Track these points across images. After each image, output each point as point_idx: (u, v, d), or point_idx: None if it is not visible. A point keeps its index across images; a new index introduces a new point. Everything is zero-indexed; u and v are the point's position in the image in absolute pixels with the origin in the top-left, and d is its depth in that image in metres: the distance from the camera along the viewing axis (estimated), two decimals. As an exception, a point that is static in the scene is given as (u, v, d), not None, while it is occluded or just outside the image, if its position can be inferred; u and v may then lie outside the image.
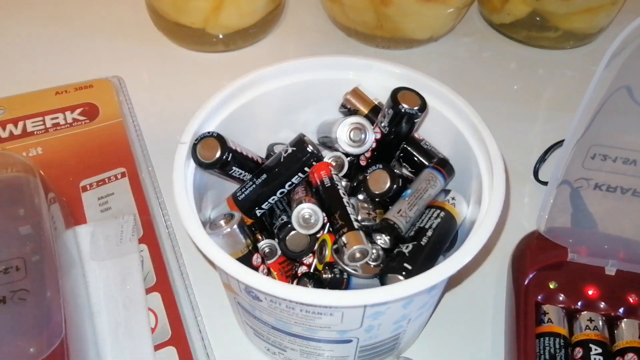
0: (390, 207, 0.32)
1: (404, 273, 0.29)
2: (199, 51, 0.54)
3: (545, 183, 0.45)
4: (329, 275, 0.30)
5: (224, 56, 0.54)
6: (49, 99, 0.49)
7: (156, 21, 0.55)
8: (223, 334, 0.37)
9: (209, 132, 0.32)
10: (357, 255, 0.29)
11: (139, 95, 0.50)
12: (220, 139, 0.31)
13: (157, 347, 0.36)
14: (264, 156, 0.37)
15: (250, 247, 0.31)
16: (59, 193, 0.42)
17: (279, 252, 0.33)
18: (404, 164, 0.35)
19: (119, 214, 0.42)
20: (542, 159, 0.46)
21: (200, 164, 0.31)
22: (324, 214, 0.31)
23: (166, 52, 0.54)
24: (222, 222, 0.30)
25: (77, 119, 0.48)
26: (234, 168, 0.32)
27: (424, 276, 0.27)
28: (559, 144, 0.46)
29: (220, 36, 0.53)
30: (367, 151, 0.33)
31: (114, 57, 0.54)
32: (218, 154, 0.31)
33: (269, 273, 0.32)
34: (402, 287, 0.26)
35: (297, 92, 0.36)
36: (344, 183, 0.34)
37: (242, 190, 0.33)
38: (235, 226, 0.30)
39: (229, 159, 0.31)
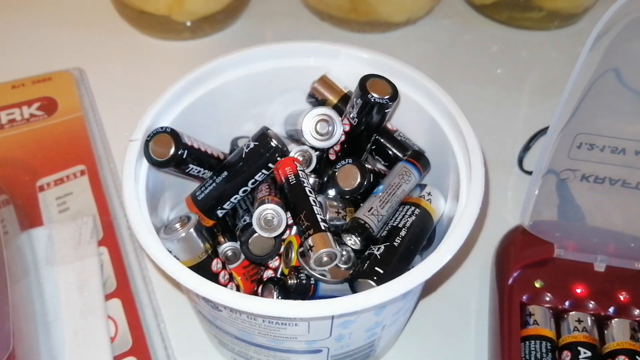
0: (361, 205, 0.30)
1: (375, 278, 0.27)
2: (165, 39, 0.51)
3: (530, 173, 0.42)
4: (295, 281, 0.28)
5: (191, 44, 0.51)
6: (4, 94, 0.47)
7: (119, 8, 0.52)
8: (188, 343, 0.35)
9: (162, 128, 0.29)
10: (325, 259, 0.27)
11: (101, 87, 0.48)
12: (174, 134, 0.29)
13: (117, 358, 0.34)
14: (227, 151, 0.34)
15: (209, 252, 0.29)
16: (13, 194, 0.40)
17: (243, 256, 0.31)
18: (377, 157, 0.33)
19: (78, 214, 0.39)
20: (527, 147, 0.43)
21: (153, 163, 0.29)
22: (289, 215, 0.29)
23: (130, 41, 0.51)
24: (177, 226, 0.28)
25: (35, 114, 0.45)
26: (191, 166, 0.30)
27: (396, 282, 0.25)
28: (543, 131, 0.44)
29: (187, 23, 0.50)
30: (335, 144, 0.31)
31: (74, 48, 0.51)
32: (172, 151, 0.29)
33: (230, 279, 0.30)
34: (372, 296, 0.24)
35: (261, 82, 0.33)
36: (312, 180, 0.31)
37: (202, 189, 0.31)
38: (191, 230, 0.28)
39: (184, 156, 0.29)
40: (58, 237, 0.38)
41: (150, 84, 0.47)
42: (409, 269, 0.26)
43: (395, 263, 0.27)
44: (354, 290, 0.27)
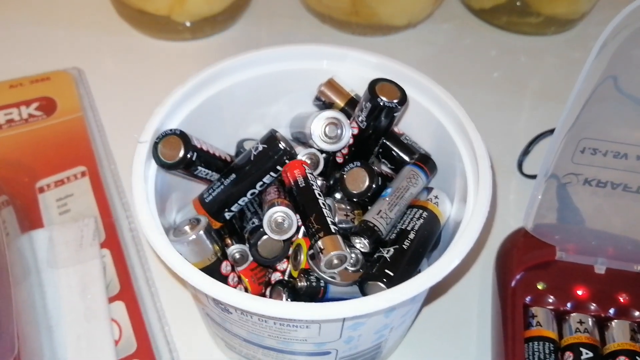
0: (369, 208, 0.30)
1: (385, 280, 0.27)
2: (165, 40, 0.51)
3: (529, 176, 0.43)
4: (305, 284, 0.28)
5: (191, 45, 0.51)
6: (2, 93, 0.46)
7: (118, 8, 0.52)
8: (193, 346, 0.35)
9: (171, 130, 0.29)
10: (335, 261, 0.27)
11: (100, 87, 0.47)
12: (183, 136, 0.29)
13: (121, 361, 0.33)
14: (233, 153, 0.34)
15: (218, 254, 0.29)
16: (13, 195, 0.39)
17: (251, 258, 0.31)
18: (384, 160, 0.33)
19: (79, 216, 0.39)
20: (526, 151, 0.44)
21: (162, 165, 0.29)
22: (298, 217, 0.29)
23: (130, 41, 0.51)
24: (187, 228, 0.28)
25: (33, 114, 0.45)
26: (199, 168, 0.30)
27: (407, 285, 0.25)
28: (543, 135, 0.44)
29: (187, 24, 0.50)
30: (343, 148, 0.31)
31: (73, 47, 0.51)
32: (181, 153, 0.29)
33: (239, 281, 0.30)
34: (384, 298, 0.24)
35: (268, 84, 0.34)
36: (319, 182, 0.31)
37: (210, 191, 0.31)
38: (201, 232, 0.28)
39: (193, 158, 0.29)
40: (59, 239, 0.38)
41: (150, 84, 0.47)
42: (418, 272, 0.27)
43: (405, 266, 0.28)
44: (363, 292, 0.28)
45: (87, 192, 0.40)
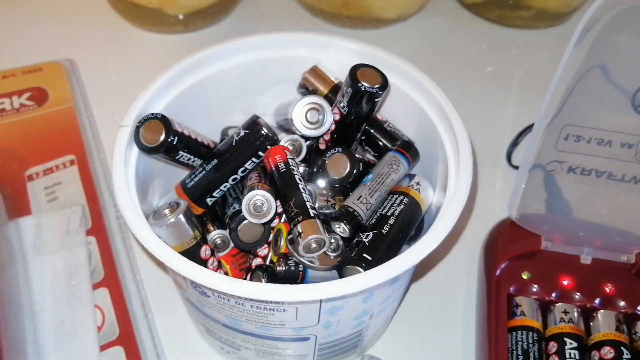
0: (350, 194, 0.30)
1: (363, 264, 0.27)
2: (157, 32, 0.51)
3: (518, 167, 0.43)
4: (283, 268, 0.28)
5: (183, 38, 0.51)
6: (-5, 83, 0.46)
7: (112, 1, 0.52)
8: (175, 332, 0.35)
9: (152, 114, 0.29)
10: (313, 245, 0.27)
11: (92, 79, 0.48)
12: (165, 121, 0.29)
13: (104, 347, 0.33)
14: (217, 140, 0.34)
15: (198, 239, 0.29)
16: (2, 183, 0.40)
17: (232, 244, 0.31)
18: (367, 147, 0.33)
19: (67, 204, 0.39)
20: (515, 143, 0.44)
21: (143, 149, 0.29)
22: (278, 202, 0.29)
23: (122, 33, 0.51)
24: (166, 212, 0.28)
25: (25, 104, 0.45)
26: (181, 153, 0.30)
27: (383, 268, 0.25)
28: (532, 126, 0.44)
29: (180, 17, 0.50)
30: (325, 133, 0.31)
31: (66, 39, 0.51)
32: (162, 137, 0.29)
33: (219, 267, 0.30)
34: (360, 280, 0.24)
35: (252, 72, 0.34)
36: (302, 169, 0.31)
37: (192, 177, 0.31)
38: (180, 215, 0.28)
39: (174, 143, 0.29)
40: (46, 226, 0.38)
41: (142, 76, 0.46)
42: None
43: (384, 250, 0.28)
44: (342, 277, 0.28)
45: (75, 181, 0.40)
